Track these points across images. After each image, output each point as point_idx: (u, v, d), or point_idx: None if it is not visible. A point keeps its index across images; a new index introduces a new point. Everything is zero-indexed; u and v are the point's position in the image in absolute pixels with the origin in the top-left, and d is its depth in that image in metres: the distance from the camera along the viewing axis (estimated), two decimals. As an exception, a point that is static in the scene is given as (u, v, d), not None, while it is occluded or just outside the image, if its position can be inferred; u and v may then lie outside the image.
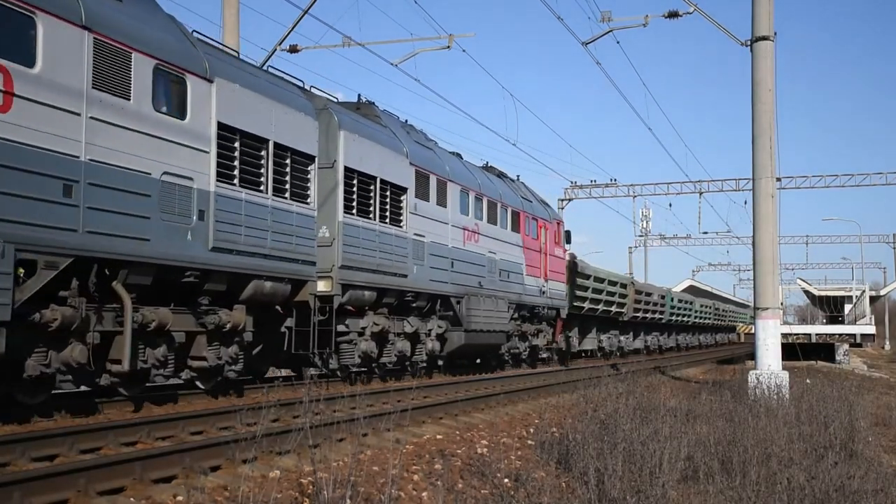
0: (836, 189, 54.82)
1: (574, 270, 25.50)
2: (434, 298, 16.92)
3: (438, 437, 9.75)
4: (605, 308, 28.60)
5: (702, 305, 46.61)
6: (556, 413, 12.40)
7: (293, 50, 20.41)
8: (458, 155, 20.24)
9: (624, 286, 30.94)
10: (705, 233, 54.06)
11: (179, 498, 6.03)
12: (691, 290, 65.37)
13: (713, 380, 20.41)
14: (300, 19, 19.41)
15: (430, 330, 16.83)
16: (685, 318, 42.33)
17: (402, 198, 15.72)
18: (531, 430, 10.85)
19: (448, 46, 21.04)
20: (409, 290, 15.68)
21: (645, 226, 58.84)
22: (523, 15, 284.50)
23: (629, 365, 23.23)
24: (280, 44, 19.98)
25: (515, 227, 21.47)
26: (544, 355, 24.00)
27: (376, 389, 12.66)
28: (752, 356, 17.38)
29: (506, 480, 7.42)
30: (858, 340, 45.73)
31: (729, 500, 6.86)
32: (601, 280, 28.11)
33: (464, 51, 22.81)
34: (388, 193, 15.14)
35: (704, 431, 9.17)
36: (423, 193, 16.49)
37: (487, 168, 22.25)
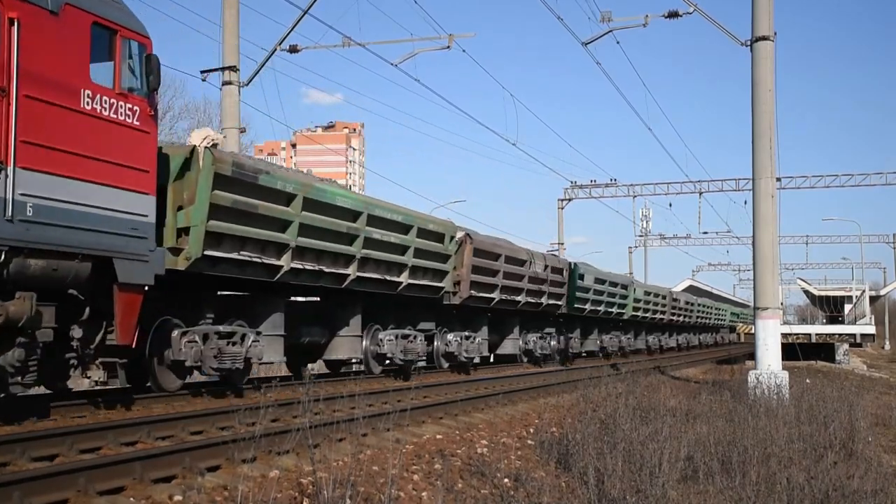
0: (836, 189, 54.83)
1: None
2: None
3: (438, 437, 9.75)
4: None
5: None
6: (556, 413, 12.40)
7: (293, 50, 20.41)
8: None
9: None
10: (705, 233, 54.09)
11: (178, 498, 6.03)
12: (691, 289, 65.27)
13: (713, 380, 20.41)
14: (300, 19, 19.45)
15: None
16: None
17: None
18: (531, 430, 10.85)
19: (448, 46, 21.04)
20: None
21: (645, 226, 58.89)
22: (523, 15, 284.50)
23: (629, 365, 23.22)
24: (280, 44, 20.00)
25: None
26: None
27: (376, 389, 12.66)
28: (752, 356, 17.38)
29: (506, 480, 7.42)
30: (858, 340, 45.64)
31: (729, 499, 6.86)
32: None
33: (464, 51, 22.85)
34: None
35: (704, 431, 9.17)
36: None
37: None
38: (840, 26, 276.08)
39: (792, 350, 27.57)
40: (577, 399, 12.85)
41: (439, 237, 16.30)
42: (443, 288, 16.61)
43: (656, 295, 35.86)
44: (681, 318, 39.62)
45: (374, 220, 13.82)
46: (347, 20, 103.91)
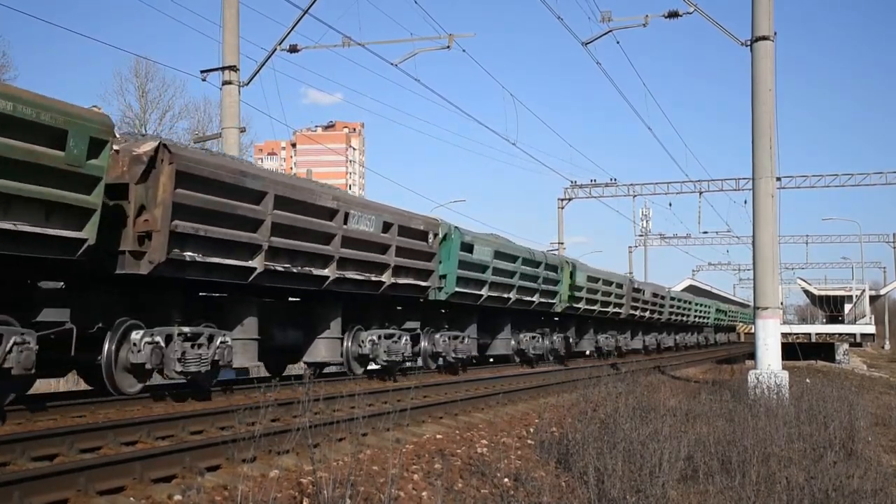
0: (836, 189, 54.80)
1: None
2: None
3: (438, 436, 9.75)
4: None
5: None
6: (556, 413, 12.40)
7: (293, 50, 20.41)
8: None
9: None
10: (705, 232, 54.21)
11: (178, 497, 6.03)
12: (691, 289, 65.26)
13: (713, 379, 20.41)
14: (300, 19, 19.48)
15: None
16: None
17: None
18: (531, 430, 10.85)
19: (448, 46, 21.06)
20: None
21: (645, 225, 58.92)
22: (523, 15, 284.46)
23: (629, 365, 23.17)
24: (280, 44, 20.02)
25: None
26: None
27: (376, 389, 12.66)
28: (751, 356, 17.38)
29: (506, 480, 7.42)
30: (858, 340, 45.64)
31: (729, 499, 6.87)
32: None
33: (464, 51, 22.85)
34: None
35: (704, 431, 9.18)
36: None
37: None
38: (840, 26, 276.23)
39: (792, 350, 27.55)
40: (577, 399, 12.85)
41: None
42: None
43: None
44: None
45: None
46: (347, 20, 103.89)
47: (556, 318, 25.40)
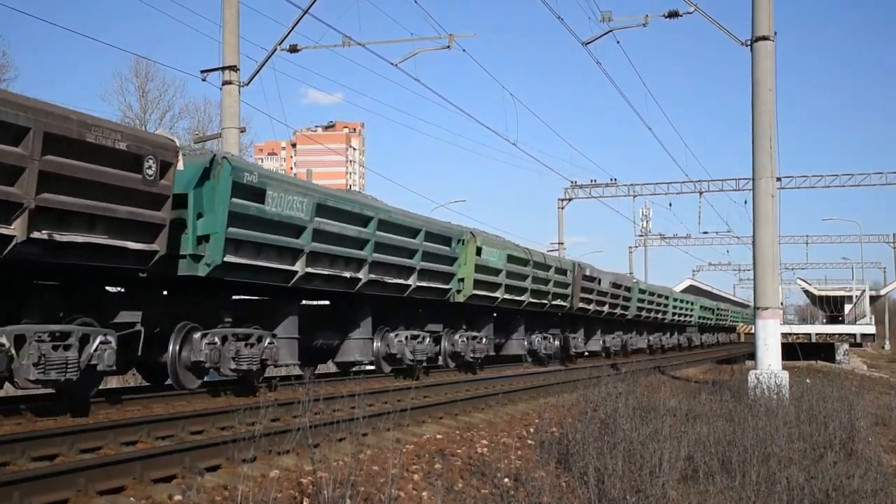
0: (836, 189, 54.78)
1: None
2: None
3: (438, 436, 9.76)
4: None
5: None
6: (556, 413, 12.40)
7: (293, 50, 20.41)
8: None
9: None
10: (705, 232, 54.29)
11: (178, 497, 6.03)
12: (691, 289, 65.28)
13: (713, 379, 20.40)
14: (300, 19, 19.46)
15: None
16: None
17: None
18: (531, 430, 10.85)
19: (448, 46, 21.04)
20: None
21: (645, 225, 58.95)
22: (523, 15, 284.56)
23: (629, 364, 23.25)
24: (280, 44, 20.01)
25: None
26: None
27: (376, 389, 12.66)
28: (752, 356, 17.37)
29: (506, 480, 7.42)
30: (858, 340, 45.69)
31: (729, 499, 6.87)
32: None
33: (464, 51, 22.83)
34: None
35: (704, 431, 9.17)
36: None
37: None
38: (840, 26, 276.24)
39: (792, 350, 27.57)
40: (578, 399, 12.85)
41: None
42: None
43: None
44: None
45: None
46: (347, 20, 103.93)
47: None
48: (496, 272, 19.00)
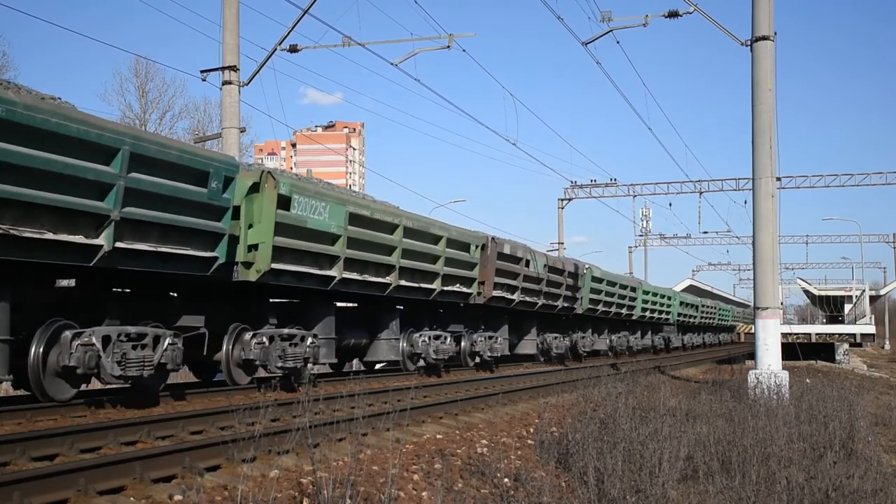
0: (836, 189, 54.80)
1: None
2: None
3: (438, 436, 9.75)
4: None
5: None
6: (556, 413, 12.40)
7: (293, 50, 20.40)
8: None
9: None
10: (705, 232, 54.07)
11: (178, 497, 6.03)
12: (691, 289, 65.23)
13: (713, 379, 20.40)
14: (300, 19, 19.45)
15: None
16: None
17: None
18: (531, 430, 10.85)
19: (448, 46, 21.02)
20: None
21: (645, 225, 58.88)
22: (523, 15, 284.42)
23: (630, 364, 23.30)
24: (280, 44, 20.00)
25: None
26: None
27: (376, 389, 12.66)
28: (751, 356, 17.37)
29: (506, 480, 7.42)
30: (858, 340, 45.63)
31: (729, 499, 6.87)
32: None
33: (464, 51, 22.80)
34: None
35: (704, 431, 9.17)
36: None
37: None
38: (840, 26, 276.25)
39: (792, 350, 27.56)
40: (577, 399, 12.85)
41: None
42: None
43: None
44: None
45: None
46: (347, 20, 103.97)
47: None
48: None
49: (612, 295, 28.37)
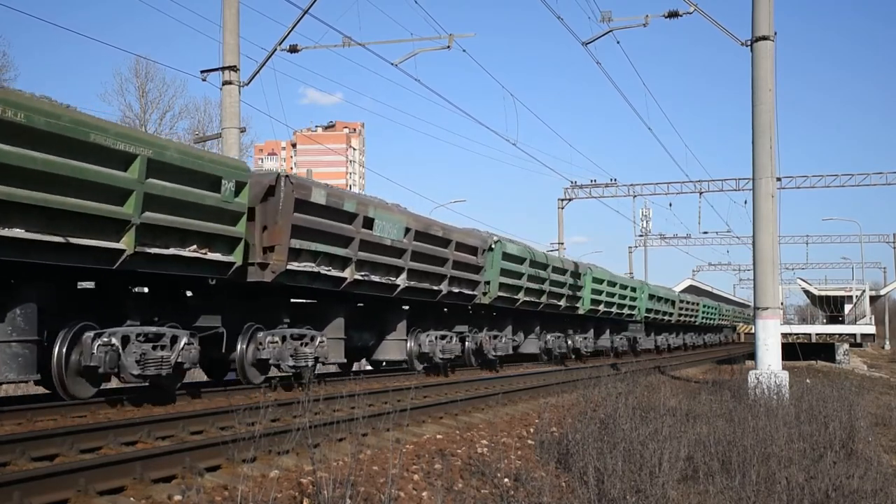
0: (836, 189, 54.79)
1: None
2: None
3: (438, 436, 9.75)
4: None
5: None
6: (556, 413, 12.39)
7: (293, 50, 20.39)
8: None
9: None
10: (705, 233, 53.93)
11: (178, 498, 6.03)
12: (691, 289, 65.25)
13: (713, 380, 20.39)
14: (300, 19, 19.44)
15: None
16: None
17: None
18: (531, 430, 10.84)
19: (448, 46, 21.01)
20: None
21: (645, 226, 58.86)
22: (523, 15, 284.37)
23: (634, 364, 23.37)
24: (280, 44, 19.99)
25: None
26: None
27: (376, 389, 12.66)
28: (751, 356, 17.37)
29: (506, 480, 7.42)
30: (858, 340, 45.63)
31: (729, 499, 6.87)
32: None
33: (464, 51, 22.78)
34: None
35: (704, 431, 9.17)
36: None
37: None
38: (839, 27, 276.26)
39: (792, 350, 27.56)
40: (577, 399, 12.85)
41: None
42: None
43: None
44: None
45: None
46: (347, 20, 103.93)
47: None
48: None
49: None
